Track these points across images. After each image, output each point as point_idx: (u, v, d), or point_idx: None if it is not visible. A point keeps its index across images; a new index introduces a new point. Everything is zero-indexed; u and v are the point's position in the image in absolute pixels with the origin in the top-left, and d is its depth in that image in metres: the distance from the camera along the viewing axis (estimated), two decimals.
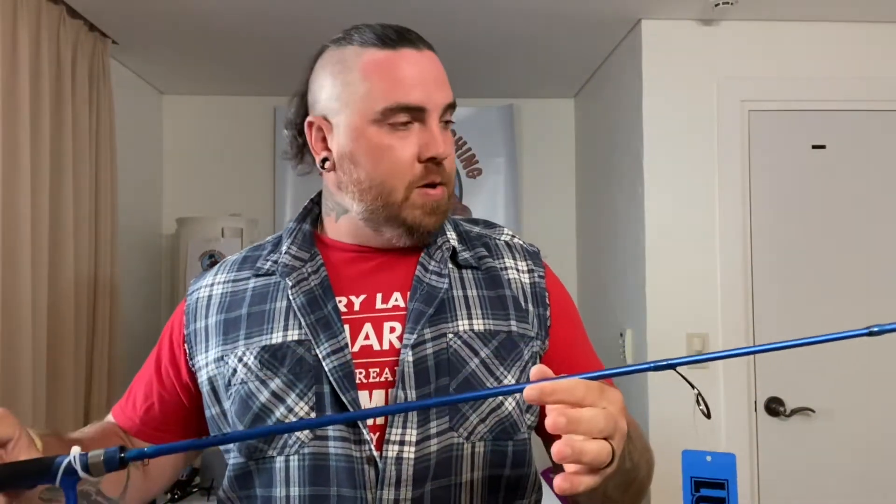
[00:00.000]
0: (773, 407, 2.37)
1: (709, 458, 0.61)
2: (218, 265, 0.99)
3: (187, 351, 0.94)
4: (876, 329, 0.56)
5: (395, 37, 0.89)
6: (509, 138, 3.24)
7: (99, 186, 2.34)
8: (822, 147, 2.44)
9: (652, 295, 2.38)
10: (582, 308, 3.24)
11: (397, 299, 0.89)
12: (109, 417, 1.01)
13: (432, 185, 0.89)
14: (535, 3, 2.26)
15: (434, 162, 0.87)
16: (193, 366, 0.93)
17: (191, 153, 3.20)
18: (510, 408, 0.87)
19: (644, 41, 2.42)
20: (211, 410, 0.91)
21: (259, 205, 3.16)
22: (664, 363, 0.60)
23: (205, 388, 0.91)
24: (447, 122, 0.91)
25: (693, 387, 0.65)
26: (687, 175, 2.40)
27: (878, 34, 2.44)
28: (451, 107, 0.90)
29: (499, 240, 0.99)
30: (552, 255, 3.59)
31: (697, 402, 0.65)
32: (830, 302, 2.39)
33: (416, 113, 0.87)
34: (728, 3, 2.23)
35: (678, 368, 0.61)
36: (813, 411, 2.37)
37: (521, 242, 1.00)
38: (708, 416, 0.65)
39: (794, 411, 2.36)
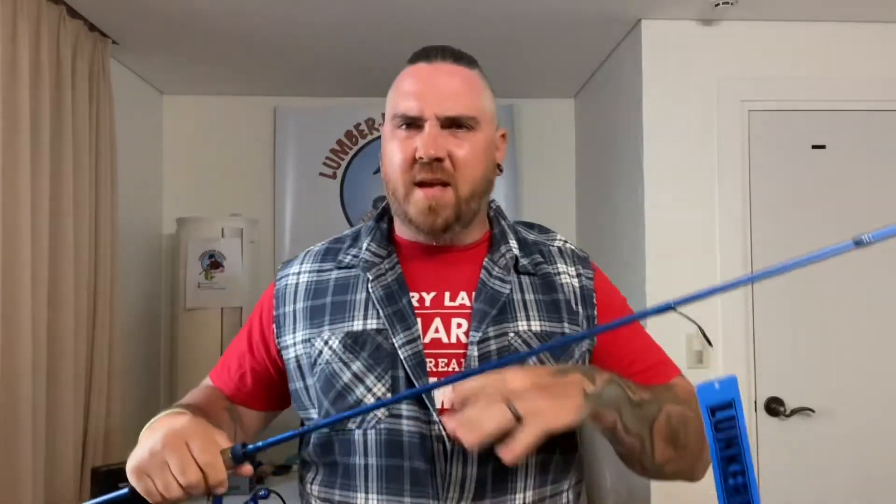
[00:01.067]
0: (773, 407, 2.37)
1: (717, 386, 0.70)
2: (303, 254, 1.10)
3: (275, 330, 1.05)
4: (865, 238, 0.64)
5: (420, 53, 1.02)
6: (509, 138, 3.22)
7: (99, 186, 2.34)
8: (822, 147, 2.44)
9: (652, 295, 2.38)
10: None
11: (463, 298, 0.99)
12: (207, 381, 1.14)
13: (428, 185, 0.97)
14: (535, 3, 2.26)
15: (422, 162, 0.95)
16: (280, 344, 1.05)
17: (191, 153, 3.20)
18: None
19: (644, 41, 2.42)
20: (296, 384, 1.03)
21: (259, 205, 3.16)
22: (665, 306, 0.70)
23: (291, 365, 1.03)
24: (458, 128, 0.97)
25: (694, 322, 0.77)
26: (687, 175, 2.40)
27: (878, 34, 2.44)
28: (455, 120, 0.97)
29: (552, 246, 1.08)
30: None
31: (701, 333, 0.75)
32: (830, 302, 2.39)
33: (413, 120, 0.97)
34: (728, 3, 2.23)
35: (679, 309, 0.71)
36: (813, 411, 2.37)
37: (571, 248, 1.10)
38: (710, 344, 0.74)
39: (794, 411, 2.36)
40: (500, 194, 3.20)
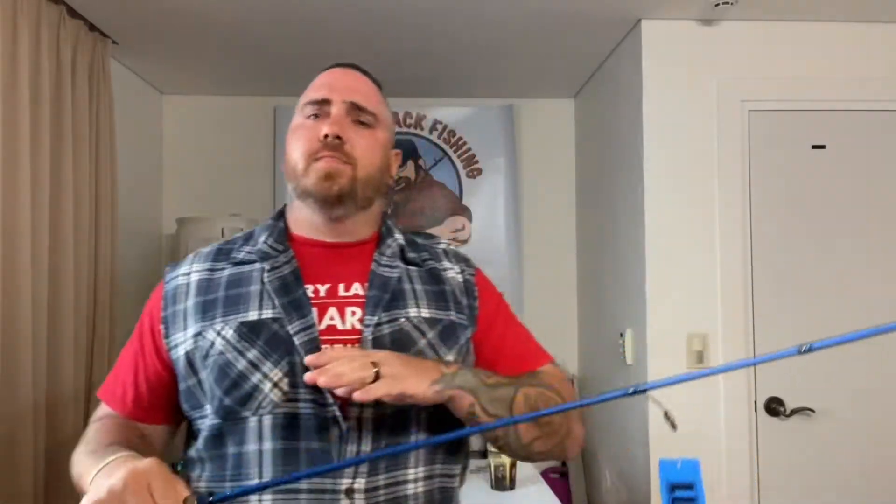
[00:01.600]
0: (773, 407, 2.37)
1: (679, 465, 0.72)
2: (192, 256, 1.11)
3: (163, 331, 1.04)
4: (805, 348, 0.68)
5: (334, 64, 1.13)
6: (509, 138, 3.24)
7: (99, 186, 2.35)
8: (822, 147, 2.44)
9: (652, 295, 2.38)
10: (581, 308, 3.24)
11: (357, 289, 1.04)
12: (104, 407, 1.10)
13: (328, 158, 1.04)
14: (535, 3, 2.26)
15: (326, 140, 1.03)
16: (168, 344, 1.04)
17: (191, 153, 3.20)
18: None
19: (644, 41, 2.42)
20: (186, 382, 1.01)
21: (259, 205, 3.16)
22: (635, 390, 0.74)
23: (181, 363, 1.01)
24: (362, 123, 1.06)
25: (661, 406, 0.81)
26: (687, 175, 2.40)
27: (877, 34, 2.44)
28: (357, 107, 1.06)
29: (437, 248, 1.16)
30: (551, 254, 3.58)
31: (666, 417, 0.80)
32: (830, 302, 2.39)
33: (321, 105, 1.06)
34: (728, 3, 2.23)
35: (650, 393, 0.74)
36: (813, 411, 2.37)
37: (455, 250, 1.18)
38: (674, 427, 0.81)
39: (794, 411, 2.36)
40: (500, 194, 3.21)
